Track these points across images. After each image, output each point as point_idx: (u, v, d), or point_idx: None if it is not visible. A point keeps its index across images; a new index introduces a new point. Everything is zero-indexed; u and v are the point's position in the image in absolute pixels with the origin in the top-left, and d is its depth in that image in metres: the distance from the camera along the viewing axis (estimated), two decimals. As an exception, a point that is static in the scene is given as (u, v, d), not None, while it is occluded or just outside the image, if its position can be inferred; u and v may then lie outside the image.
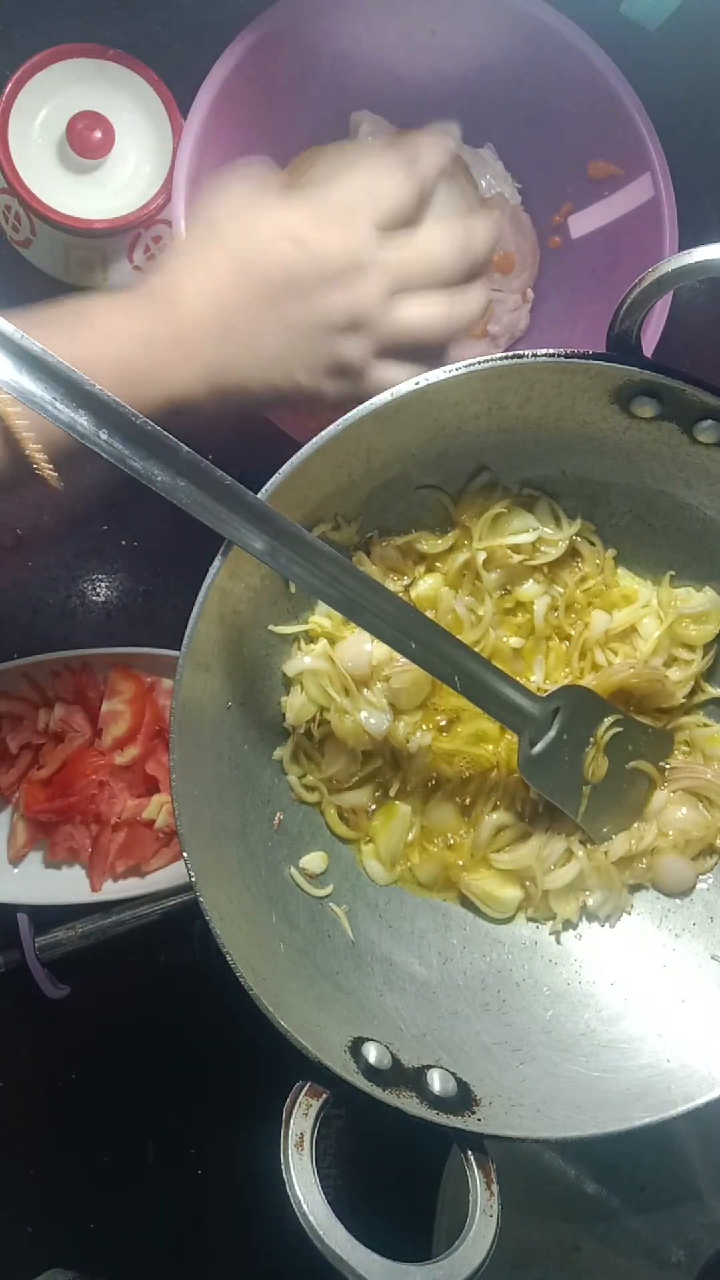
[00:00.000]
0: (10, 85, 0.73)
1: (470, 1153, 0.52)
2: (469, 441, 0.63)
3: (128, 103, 0.75)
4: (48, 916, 0.78)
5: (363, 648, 0.64)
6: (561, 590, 0.68)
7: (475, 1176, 0.51)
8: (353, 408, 0.56)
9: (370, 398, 0.57)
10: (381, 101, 0.79)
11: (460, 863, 0.67)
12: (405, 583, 0.67)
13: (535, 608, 0.67)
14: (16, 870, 0.78)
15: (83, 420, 0.50)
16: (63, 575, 0.81)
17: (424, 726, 0.67)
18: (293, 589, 0.63)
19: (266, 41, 0.70)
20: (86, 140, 0.72)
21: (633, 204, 0.75)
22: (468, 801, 0.68)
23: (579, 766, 0.64)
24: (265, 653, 0.64)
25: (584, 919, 0.68)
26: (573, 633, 0.68)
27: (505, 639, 0.67)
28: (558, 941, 0.67)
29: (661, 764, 0.68)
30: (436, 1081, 0.54)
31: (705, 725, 0.69)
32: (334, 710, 0.64)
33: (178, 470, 0.52)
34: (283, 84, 0.74)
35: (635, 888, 0.68)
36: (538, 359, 0.57)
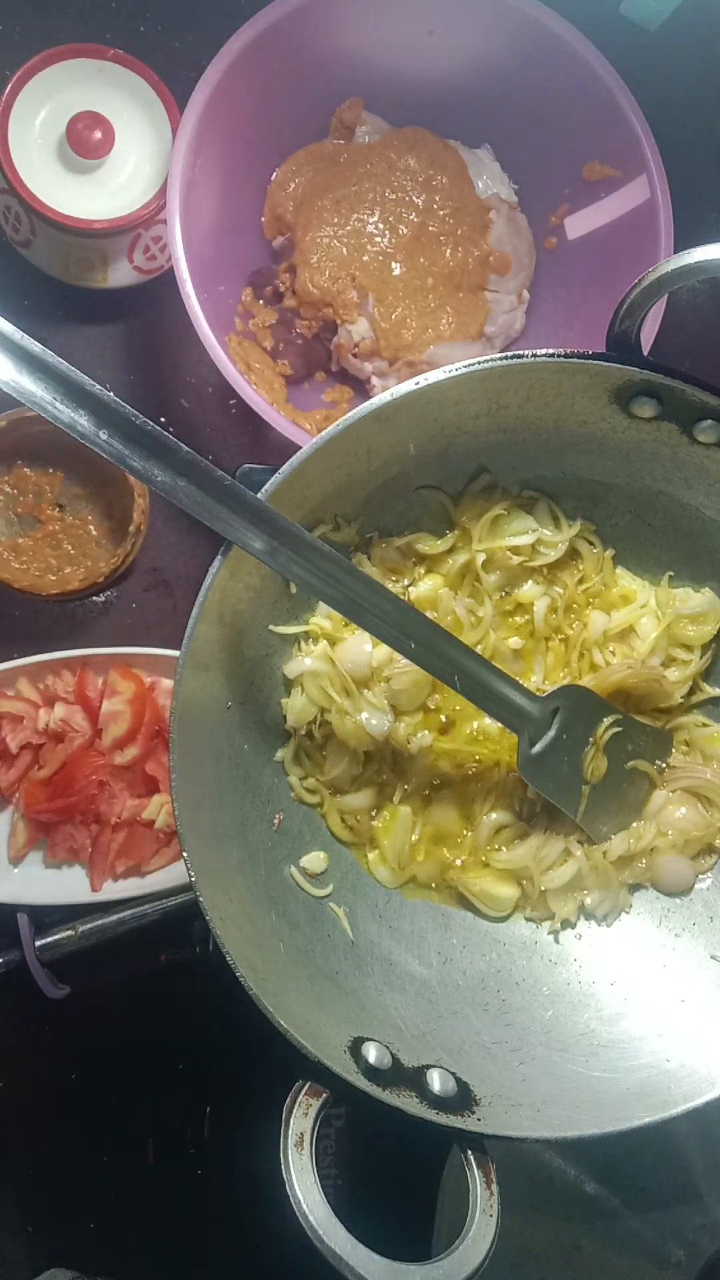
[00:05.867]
0: (10, 85, 0.73)
1: (470, 1153, 0.52)
2: (469, 442, 0.63)
3: (128, 103, 0.75)
4: (48, 916, 0.78)
5: (363, 649, 0.64)
6: (561, 591, 0.68)
7: (475, 1176, 0.51)
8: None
9: None
10: (378, 101, 0.79)
11: (460, 862, 0.67)
12: (405, 584, 0.67)
13: (535, 609, 0.67)
14: (16, 870, 0.78)
15: (83, 420, 0.51)
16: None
17: (424, 728, 0.67)
18: (293, 589, 0.63)
19: (263, 40, 0.70)
20: (86, 140, 0.72)
21: (629, 206, 0.75)
22: (467, 803, 0.68)
23: (578, 766, 0.65)
24: (265, 653, 0.64)
25: (583, 919, 0.68)
26: (571, 633, 0.68)
27: (505, 640, 0.67)
28: (557, 941, 0.67)
29: (660, 763, 0.68)
30: (436, 1081, 0.54)
31: (704, 725, 0.69)
32: (335, 711, 0.64)
33: (178, 470, 0.52)
34: (279, 83, 0.74)
35: (635, 887, 0.68)
36: (537, 359, 0.57)
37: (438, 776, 0.67)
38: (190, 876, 0.54)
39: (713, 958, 0.65)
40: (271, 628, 0.64)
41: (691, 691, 0.69)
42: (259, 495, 0.54)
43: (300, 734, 0.66)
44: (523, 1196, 0.72)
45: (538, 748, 0.63)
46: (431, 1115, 0.53)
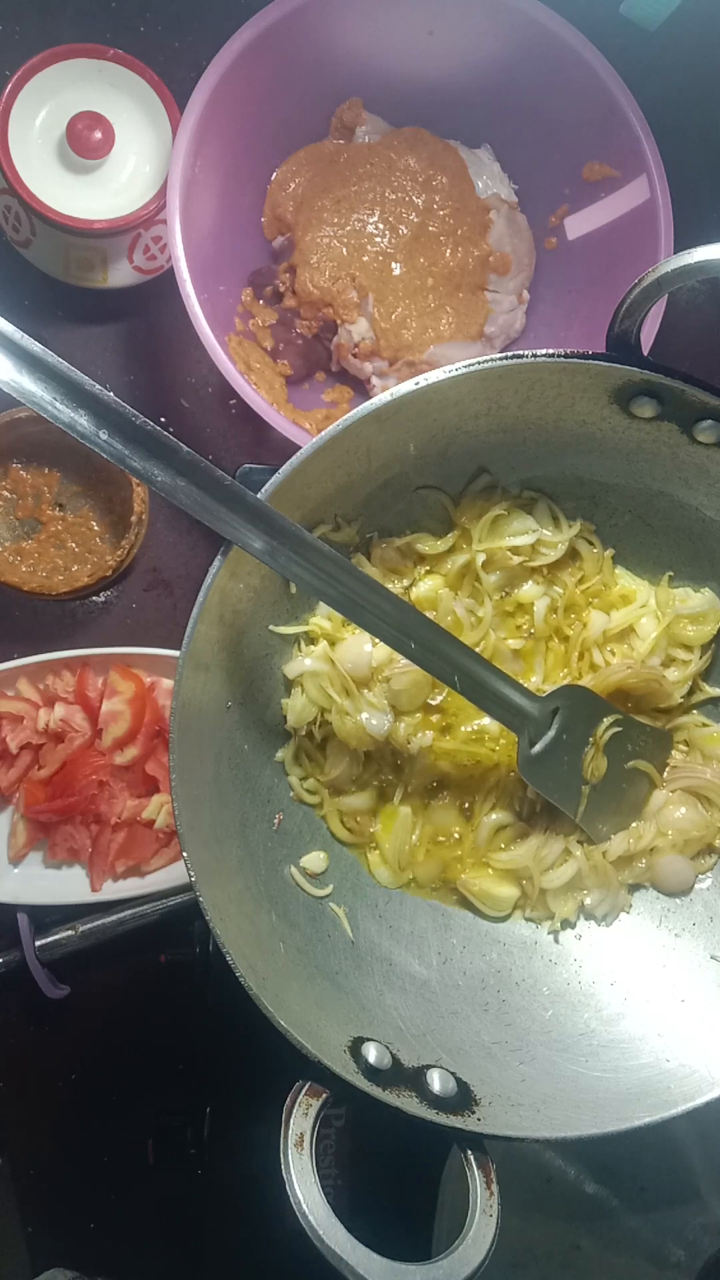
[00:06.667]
0: (10, 85, 0.73)
1: (470, 1153, 0.52)
2: (469, 442, 0.63)
3: (128, 103, 0.75)
4: (48, 916, 0.78)
5: (363, 649, 0.64)
6: (561, 591, 0.68)
7: (475, 1176, 0.51)
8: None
9: None
10: (378, 101, 0.79)
11: (460, 862, 0.67)
12: (405, 584, 0.67)
13: (535, 609, 0.67)
14: (16, 870, 0.78)
15: (83, 420, 0.51)
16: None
17: (424, 728, 0.67)
18: (293, 589, 0.63)
19: (262, 40, 0.70)
20: (86, 140, 0.72)
21: (629, 206, 0.75)
22: (467, 803, 0.68)
23: (578, 766, 0.64)
24: (265, 653, 0.64)
25: (583, 919, 0.68)
26: (571, 633, 0.68)
27: (505, 640, 0.67)
28: (557, 941, 0.67)
29: (660, 763, 0.68)
30: (436, 1081, 0.54)
31: (704, 725, 0.69)
32: (335, 711, 0.64)
33: (178, 470, 0.52)
34: (279, 83, 0.74)
35: (635, 887, 0.68)
36: (538, 359, 0.57)
37: (438, 776, 0.67)
38: (190, 876, 0.54)
39: (713, 958, 0.65)
40: (271, 628, 0.64)
41: (691, 691, 0.69)
42: (259, 495, 0.54)
43: (300, 734, 0.66)
44: (523, 1196, 0.72)
45: (538, 748, 0.63)
46: (431, 1115, 0.53)
